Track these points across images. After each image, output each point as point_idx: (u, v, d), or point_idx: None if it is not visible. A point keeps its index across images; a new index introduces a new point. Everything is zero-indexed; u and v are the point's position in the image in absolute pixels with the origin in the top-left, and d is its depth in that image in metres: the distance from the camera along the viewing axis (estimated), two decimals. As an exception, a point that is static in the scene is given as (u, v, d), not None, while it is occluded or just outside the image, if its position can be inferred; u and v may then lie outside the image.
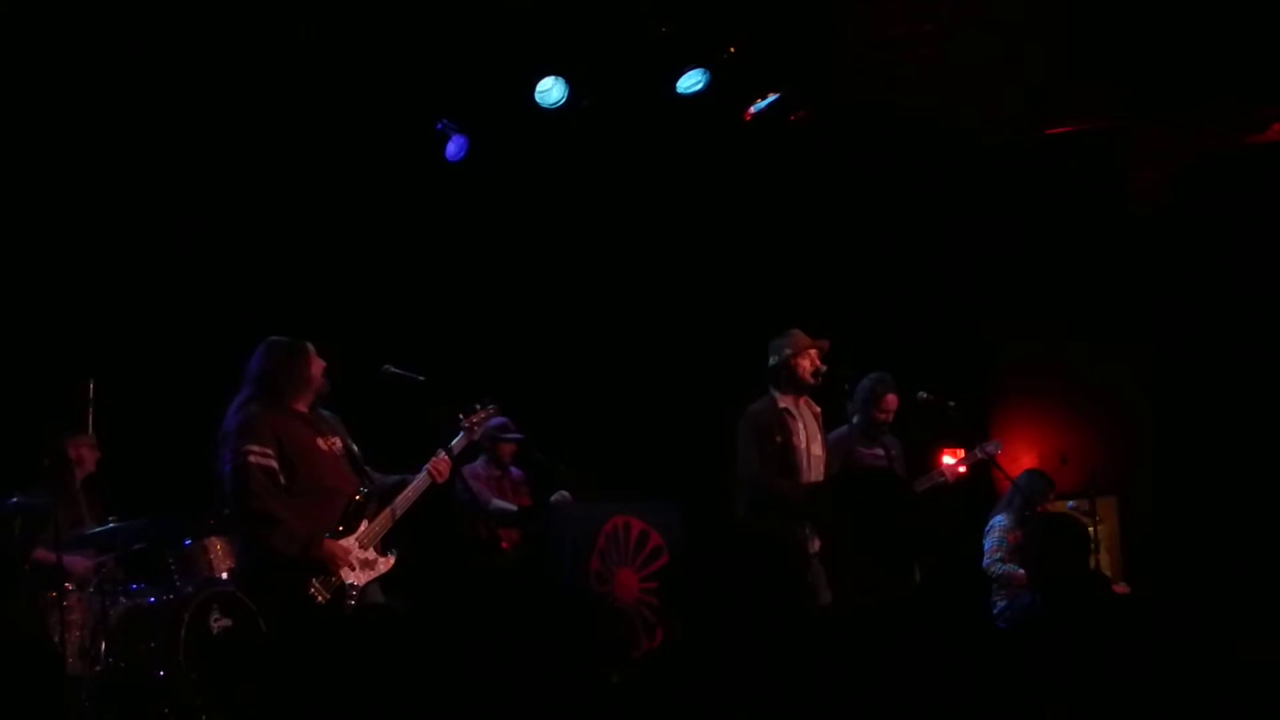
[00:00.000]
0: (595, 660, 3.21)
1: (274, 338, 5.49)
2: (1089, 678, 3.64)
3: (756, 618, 3.08)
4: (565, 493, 7.74)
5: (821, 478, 6.49)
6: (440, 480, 5.62)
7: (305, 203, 7.89)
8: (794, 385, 6.48)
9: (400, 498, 5.56)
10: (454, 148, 8.05)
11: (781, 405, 6.46)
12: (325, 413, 5.59)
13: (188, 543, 6.74)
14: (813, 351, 6.50)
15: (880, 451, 7.15)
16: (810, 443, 6.50)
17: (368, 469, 5.62)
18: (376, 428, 6.00)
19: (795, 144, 8.77)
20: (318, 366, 5.47)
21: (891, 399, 7.21)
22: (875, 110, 8.71)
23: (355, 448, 5.61)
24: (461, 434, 5.81)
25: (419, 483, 5.58)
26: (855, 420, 7.18)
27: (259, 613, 5.85)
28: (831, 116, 8.71)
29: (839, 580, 4.50)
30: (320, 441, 5.43)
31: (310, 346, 5.47)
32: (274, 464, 5.26)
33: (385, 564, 5.54)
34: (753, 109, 8.35)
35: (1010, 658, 3.50)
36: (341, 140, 7.70)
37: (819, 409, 6.62)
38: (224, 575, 6.68)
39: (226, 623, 6.36)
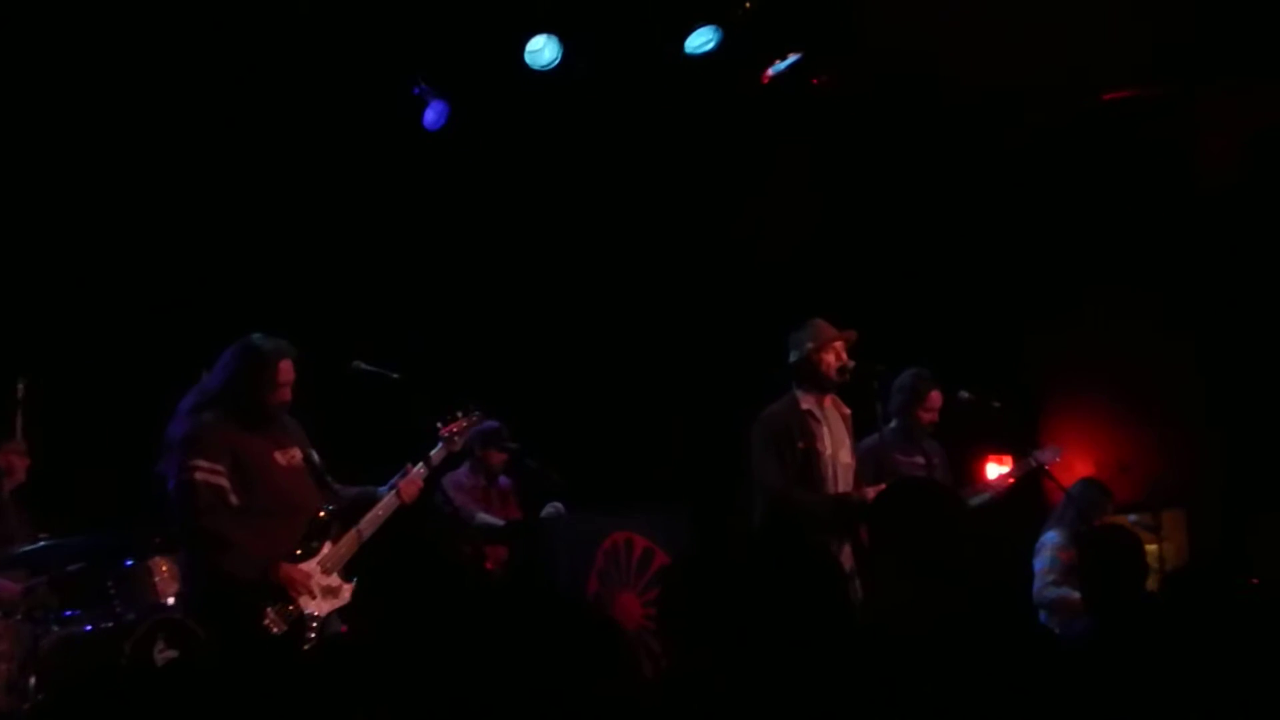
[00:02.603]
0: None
1: (250, 341, 5.42)
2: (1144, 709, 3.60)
3: (789, 642, 3.05)
4: (559, 505, 7.67)
5: (850, 489, 6.42)
6: (409, 502, 5.61)
7: (266, 179, 7.93)
8: (818, 383, 6.39)
9: (366, 518, 5.56)
10: (433, 115, 8.01)
11: (804, 406, 6.38)
12: (286, 418, 5.55)
13: (129, 563, 6.70)
14: (838, 345, 6.42)
15: (920, 460, 7.08)
16: (837, 449, 6.43)
17: (331, 481, 5.55)
18: (345, 432, 5.96)
19: (817, 112, 8.69)
20: (287, 377, 5.42)
21: (935, 396, 7.14)
22: (908, 74, 8.61)
23: (317, 458, 5.59)
24: (440, 445, 5.74)
25: (386, 503, 5.55)
26: (893, 423, 7.09)
27: (209, 643, 5.76)
28: (859, 81, 8.62)
29: (876, 606, 4.41)
30: (279, 455, 5.41)
31: (284, 361, 5.40)
32: (224, 481, 5.24)
33: (350, 591, 5.49)
34: (771, 71, 8.30)
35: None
36: (307, 107, 7.68)
37: (848, 410, 6.56)
38: (170, 600, 6.64)
39: (173, 654, 6.32)
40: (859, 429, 6.66)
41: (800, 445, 6.29)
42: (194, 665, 5.89)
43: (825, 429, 6.39)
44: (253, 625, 5.19)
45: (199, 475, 5.18)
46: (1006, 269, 9.45)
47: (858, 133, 9.03)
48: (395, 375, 5.80)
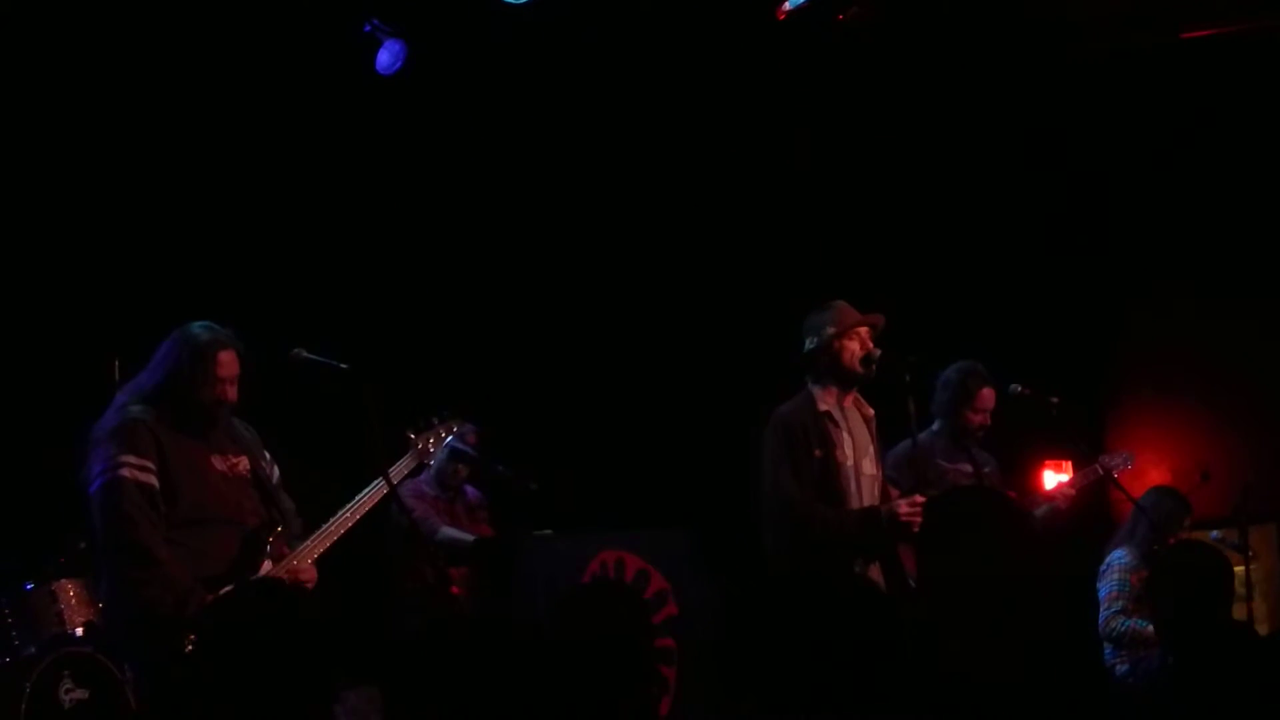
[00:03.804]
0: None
1: (186, 330, 5.48)
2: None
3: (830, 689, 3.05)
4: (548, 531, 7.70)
5: (875, 503, 6.40)
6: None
7: (187, 132, 7.84)
8: (838, 377, 6.38)
9: (316, 535, 5.55)
10: (387, 57, 8.04)
11: (822, 407, 6.37)
12: (238, 423, 5.63)
13: (29, 587, 6.69)
14: (863, 330, 6.41)
15: (968, 467, 7.11)
16: (860, 458, 6.41)
17: (283, 500, 5.62)
18: (286, 435, 5.97)
19: (843, 52, 8.70)
20: (228, 372, 5.47)
21: (988, 395, 7.17)
22: (952, 6, 8.65)
23: (274, 471, 5.67)
24: (409, 455, 5.87)
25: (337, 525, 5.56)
26: (935, 425, 7.16)
27: (126, 682, 5.80)
28: (892, 15, 8.64)
29: (919, 641, 4.49)
30: (216, 460, 5.47)
31: (224, 352, 5.45)
32: (154, 481, 5.28)
33: None
34: (788, 5, 8.30)
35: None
36: (239, 48, 7.68)
37: (871, 412, 6.51)
38: (78, 631, 6.64)
39: (82, 695, 6.34)
40: (884, 435, 6.62)
41: (817, 453, 6.26)
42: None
43: (846, 434, 6.36)
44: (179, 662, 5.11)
45: (127, 472, 5.21)
46: (1074, 243, 9.50)
47: (893, 77, 9.07)
48: (343, 366, 5.81)
